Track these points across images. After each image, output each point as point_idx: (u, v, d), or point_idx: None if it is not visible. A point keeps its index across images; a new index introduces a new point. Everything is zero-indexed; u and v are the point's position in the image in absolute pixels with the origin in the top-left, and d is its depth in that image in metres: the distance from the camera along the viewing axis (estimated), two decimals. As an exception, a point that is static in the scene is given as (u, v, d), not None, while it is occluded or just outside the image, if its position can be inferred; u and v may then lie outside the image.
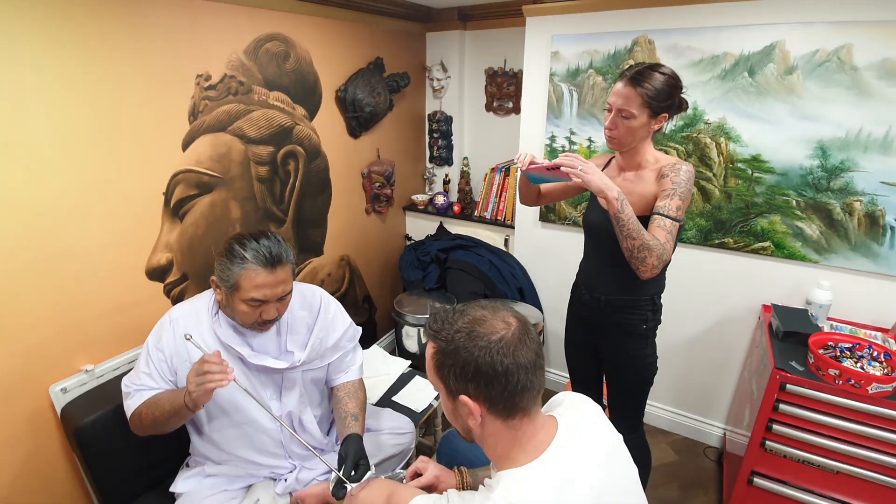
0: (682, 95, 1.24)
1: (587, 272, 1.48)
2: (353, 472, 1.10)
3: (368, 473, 1.10)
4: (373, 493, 0.96)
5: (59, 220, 1.26)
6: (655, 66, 1.19)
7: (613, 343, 1.43)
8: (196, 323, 1.21)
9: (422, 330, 2.21)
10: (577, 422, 0.83)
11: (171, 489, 1.28)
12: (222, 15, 1.57)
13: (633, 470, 0.85)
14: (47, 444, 1.32)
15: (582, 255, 1.51)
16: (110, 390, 1.34)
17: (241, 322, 1.17)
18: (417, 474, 1.06)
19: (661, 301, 1.41)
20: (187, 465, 1.34)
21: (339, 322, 1.37)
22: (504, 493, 0.71)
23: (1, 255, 1.16)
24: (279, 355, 1.26)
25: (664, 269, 1.35)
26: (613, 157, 1.41)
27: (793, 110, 1.60)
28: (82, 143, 1.27)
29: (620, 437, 0.88)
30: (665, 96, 1.18)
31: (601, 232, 1.34)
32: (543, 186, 1.54)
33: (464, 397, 0.75)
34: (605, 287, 1.39)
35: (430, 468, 1.05)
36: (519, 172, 1.39)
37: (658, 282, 1.37)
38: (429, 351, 0.80)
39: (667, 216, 1.19)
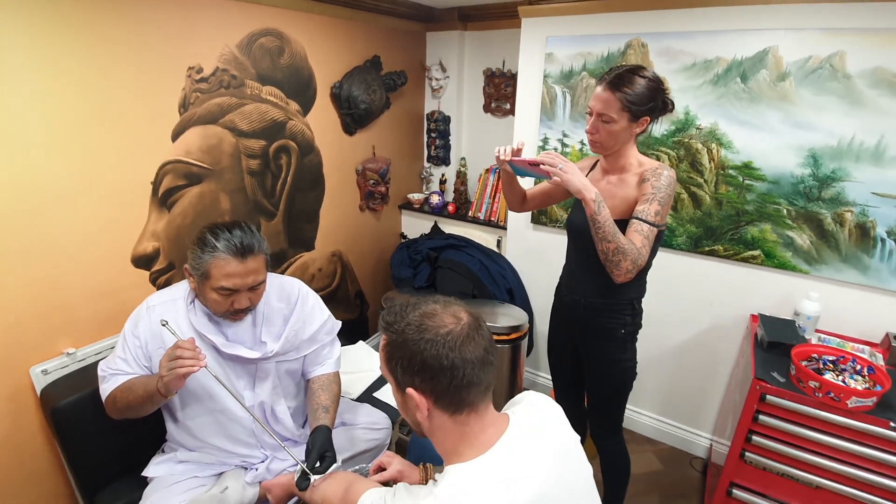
0: (667, 97, 1.23)
1: (569, 274, 1.48)
2: (318, 464, 1.10)
3: (334, 466, 1.11)
4: (333, 485, 0.97)
5: (45, 205, 1.28)
6: (636, 70, 1.18)
7: (592, 346, 1.42)
8: (173, 311, 1.22)
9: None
10: (531, 420, 0.83)
11: (144, 473, 1.29)
12: (215, 8, 1.60)
13: (587, 472, 0.84)
14: (26, 425, 1.35)
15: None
16: (91, 374, 1.35)
17: (213, 311, 1.19)
18: (381, 468, 1.06)
19: (642, 306, 1.40)
20: (162, 451, 1.36)
21: (317, 314, 1.38)
22: (448, 488, 0.71)
23: (-15, 237, 1.19)
24: (253, 345, 1.27)
25: (644, 274, 1.35)
26: (599, 160, 1.40)
27: (785, 117, 1.58)
28: (71, 129, 1.30)
29: (577, 438, 0.87)
30: (645, 100, 1.17)
31: (583, 234, 1.33)
32: (529, 191, 1.54)
33: (410, 390, 0.75)
34: (584, 290, 1.39)
35: (395, 463, 1.05)
36: (500, 171, 1.39)
37: (638, 286, 1.36)
38: (381, 343, 0.80)
39: (645, 221, 1.18)
